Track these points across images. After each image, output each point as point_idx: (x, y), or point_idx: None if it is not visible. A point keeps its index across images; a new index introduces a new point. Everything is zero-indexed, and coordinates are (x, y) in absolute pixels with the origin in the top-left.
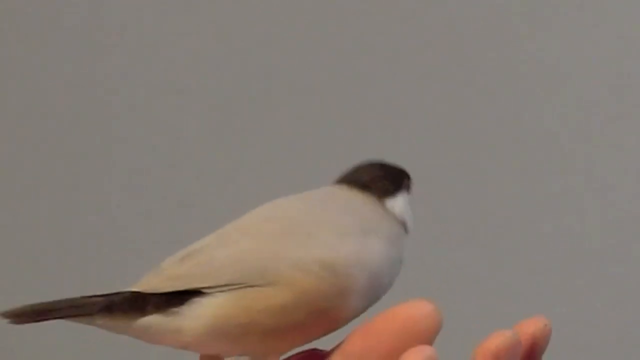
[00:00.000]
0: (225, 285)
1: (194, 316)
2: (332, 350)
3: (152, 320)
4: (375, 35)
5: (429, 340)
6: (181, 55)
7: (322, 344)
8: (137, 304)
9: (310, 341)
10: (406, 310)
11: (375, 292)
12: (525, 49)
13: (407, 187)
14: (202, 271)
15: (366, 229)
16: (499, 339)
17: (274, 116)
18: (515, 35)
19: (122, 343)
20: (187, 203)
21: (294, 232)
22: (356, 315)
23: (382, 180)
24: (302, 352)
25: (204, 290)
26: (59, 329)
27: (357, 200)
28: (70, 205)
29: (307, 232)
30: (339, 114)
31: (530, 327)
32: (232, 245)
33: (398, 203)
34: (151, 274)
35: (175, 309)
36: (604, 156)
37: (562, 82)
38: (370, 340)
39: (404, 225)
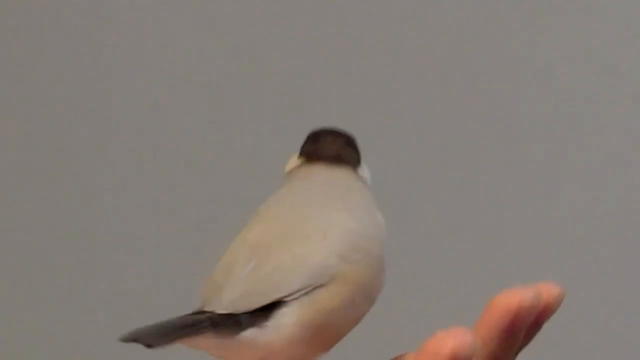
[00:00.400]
0: (298, 291)
1: (279, 328)
2: None
3: (252, 334)
4: (362, 30)
5: None
6: (179, 51)
7: None
8: (234, 321)
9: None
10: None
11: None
12: (514, 37)
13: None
14: (275, 283)
15: (368, 205)
16: (522, 296)
17: (272, 112)
18: (505, 27)
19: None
20: (184, 201)
21: (324, 228)
22: None
23: (348, 150)
24: None
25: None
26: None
27: (344, 178)
28: (65, 201)
29: (336, 224)
30: (334, 109)
31: (544, 292)
32: (286, 253)
33: (365, 170)
34: (217, 292)
35: (266, 323)
36: (595, 150)
37: (551, 74)
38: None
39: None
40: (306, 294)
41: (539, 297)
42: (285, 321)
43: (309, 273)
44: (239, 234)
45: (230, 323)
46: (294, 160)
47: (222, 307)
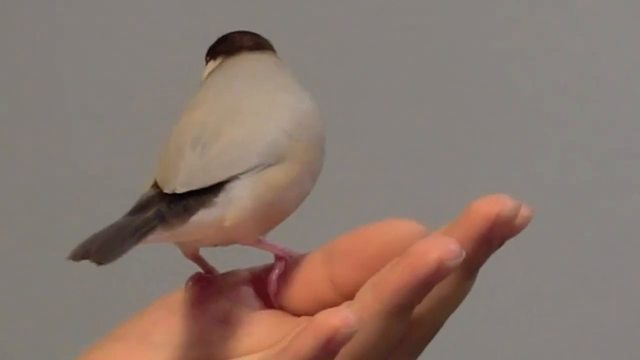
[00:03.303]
0: (255, 167)
1: (231, 201)
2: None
3: (201, 215)
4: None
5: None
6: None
7: None
8: (184, 207)
9: None
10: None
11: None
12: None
13: None
14: (225, 160)
15: (299, 85)
16: (503, 205)
17: None
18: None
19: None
20: None
21: (270, 105)
22: None
23: (262, 39)
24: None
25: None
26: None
27: (272, 61)
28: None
29: (280, 102)
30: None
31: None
32: (239, 128)
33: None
34: (168, 172)
35: (215, 199)
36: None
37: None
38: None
39: None
40: (259, 171)
41: (517, 209)
42: (237, 194)
43: (263, 149)
44: (182, 116)
45: (178, 211)
46: (210, 65)
47: (175, 187)
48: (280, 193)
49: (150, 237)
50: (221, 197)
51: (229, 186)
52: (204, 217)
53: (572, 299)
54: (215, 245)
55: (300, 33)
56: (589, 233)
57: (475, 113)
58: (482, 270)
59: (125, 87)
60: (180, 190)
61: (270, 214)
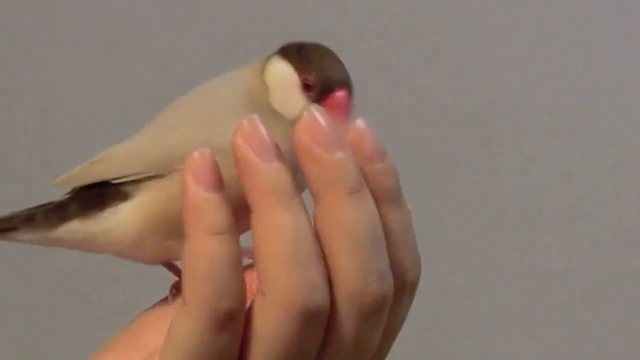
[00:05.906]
0: (132, 175)
1: (122, 219)
2: None
3: (75, 225)
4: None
5: None
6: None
7: None
8: (59, 212)
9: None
10: None
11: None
12: None
13: None
14: (108, 165)
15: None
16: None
17: None
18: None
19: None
20: None
21: (193, 121)
22: None
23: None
24: None
25: (117, 184)
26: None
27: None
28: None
29: (207, 119)
30: None
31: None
32: (135, 138)
33: (278, 68)
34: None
35: (98, 213)
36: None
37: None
38: None
39: None
40: (149, 183)
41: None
42: (127, 214)
43: (147, 162)
44: None
45: (54, 214)
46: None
47: (53, 183)
48: (171, 204)
49: (11, 235)
50: (108, 213)
51: (121, 205)
52: (79, 227)
53: (572, 306)
54: (147, 262)
55: (298, 33)
56: (590, 239)
57: (474, 120)
58: (484, 274)
59: (125, 92)
60: (55, 186)
61: (167, 226)
